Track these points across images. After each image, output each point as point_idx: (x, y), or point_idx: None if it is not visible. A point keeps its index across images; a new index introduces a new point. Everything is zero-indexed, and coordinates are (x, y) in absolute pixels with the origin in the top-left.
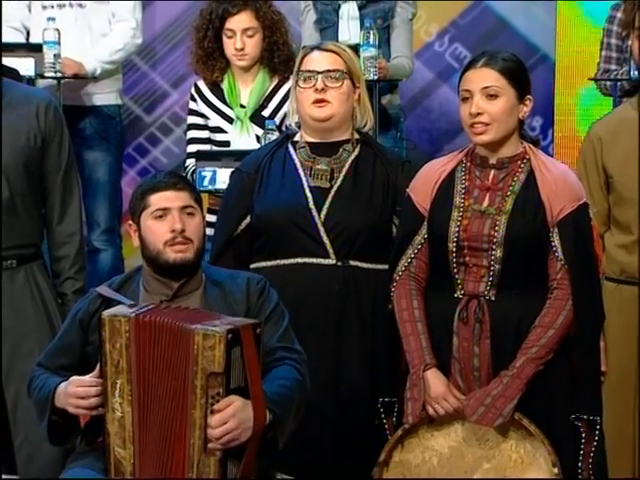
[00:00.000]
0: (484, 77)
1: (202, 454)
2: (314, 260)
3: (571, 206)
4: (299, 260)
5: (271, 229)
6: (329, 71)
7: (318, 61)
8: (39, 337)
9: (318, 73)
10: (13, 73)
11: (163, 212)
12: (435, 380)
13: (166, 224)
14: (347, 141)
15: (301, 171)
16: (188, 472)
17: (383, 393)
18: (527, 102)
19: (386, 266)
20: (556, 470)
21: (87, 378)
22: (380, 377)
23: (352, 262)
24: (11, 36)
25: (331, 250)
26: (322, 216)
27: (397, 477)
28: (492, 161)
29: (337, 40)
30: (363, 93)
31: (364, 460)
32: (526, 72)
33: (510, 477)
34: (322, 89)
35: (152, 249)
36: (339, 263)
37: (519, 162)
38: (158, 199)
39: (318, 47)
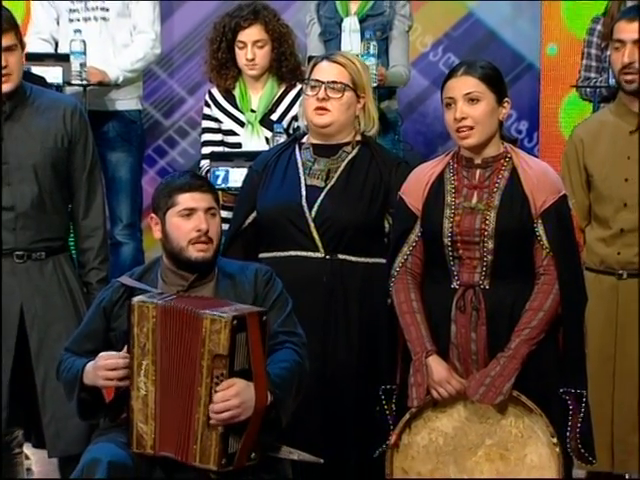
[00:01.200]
0: (465, 84)
1: (205, 428)
2: (304, 253)
3: (552, 198)
4: (292, 253)
5: (269, 224)
6: (332, 82)
7: (325, 72)
8: (66, 323)
9: (322, 83)
10: (40, 81)
11: (190, 212)
12: (437, 366)
13: (192, 223)
14: (348, 143)
15: (301, 170)
16: (193, 444)
17: (383, 381)
18: (505, 104)
19: (374, 259)
20: (554, 440)
21: (115, 352)
22: (380, 366)
23: (340, 255)
24: (41, 47)
25: (320, 244)
26: (313, 213)
27: (407, 459)
28: (477, 161)
29: (340, 49)
30: (369, 102)
31: (352, 442)
32: (502, 77)
33: (512, 451)
34: (323, 98)
35: (175, 245)
36: (327, 256)
37: (502, 161)
38: (186, 199)
39: (328, 57)
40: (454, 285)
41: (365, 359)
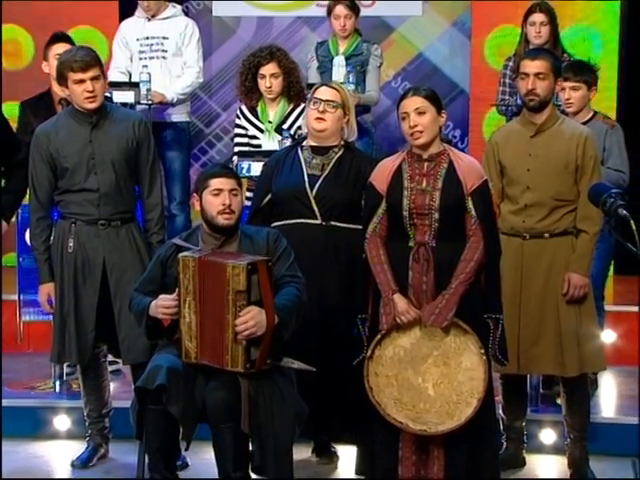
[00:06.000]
0: (414, 102)
1: (233, 343)
2: (307, 221)
3: (478, 182)
4: (297, 220)
5: (281, 200)
6: (329, 100)
7: (324, 93)
8: (134, 271)
9: (322, 101)
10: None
11: (218, 191)
12: (400, 300)
13: (219, 199)
14: (335, 146)
15: (303, 164)
16: (225, 355)
17: (360, 312)
18: (443, 115)
19: (355, 225)
20: (482, 351)
21: (170, 295)
22: (356, 301)
23: (332, 222)
24: (119, 77)
25: (318, 215)
26: (314, 192)
27: (378, 366)
28: (425, 156)
29: (331, 79)
30: (351, 118)
31: (341, 354)
32: (438, 96)
33: (452, 359)
34: (322, 111)
35: (209, 214)
36: (323, 223)
37: (442, 156)
38: (215, 182)
39: (326, 84)
40: (411, 244)
41: (349, 294)
